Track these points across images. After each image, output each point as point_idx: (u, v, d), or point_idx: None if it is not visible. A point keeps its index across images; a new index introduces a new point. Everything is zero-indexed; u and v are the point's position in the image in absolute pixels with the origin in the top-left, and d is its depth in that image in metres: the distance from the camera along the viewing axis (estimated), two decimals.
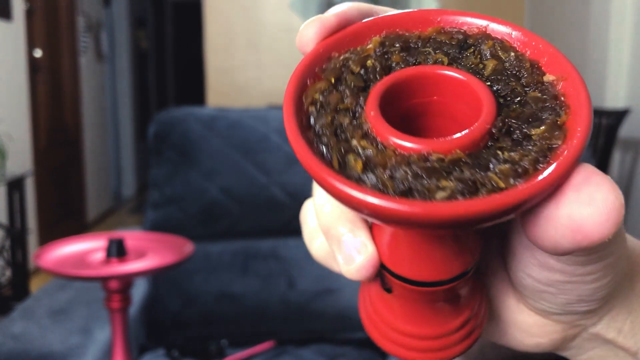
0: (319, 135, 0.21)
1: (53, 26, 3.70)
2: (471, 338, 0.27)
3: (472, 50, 0.23)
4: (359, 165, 0.20)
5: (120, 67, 5.29)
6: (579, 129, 0.19)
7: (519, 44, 0.23)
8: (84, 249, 1.09)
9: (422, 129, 0.24)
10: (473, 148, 0.20)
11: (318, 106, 0.22)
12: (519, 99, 0.21)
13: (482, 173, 0.19)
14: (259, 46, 3.40)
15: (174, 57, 6.91)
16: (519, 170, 0.19)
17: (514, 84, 0.22)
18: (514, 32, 0.23)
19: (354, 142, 0.21)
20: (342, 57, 0.23)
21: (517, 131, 0.20)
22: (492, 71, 0.22)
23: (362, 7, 0.25)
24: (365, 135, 0.21)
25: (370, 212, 0.19)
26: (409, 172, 0.19)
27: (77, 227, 3.98)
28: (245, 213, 1.52)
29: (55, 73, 3.73)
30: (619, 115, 2.44)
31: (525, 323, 0.27)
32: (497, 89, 0.22)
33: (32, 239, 3.11)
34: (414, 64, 0.23)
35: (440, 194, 0.19)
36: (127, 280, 1.01)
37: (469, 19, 0.24)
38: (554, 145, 0.20)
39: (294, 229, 1.51)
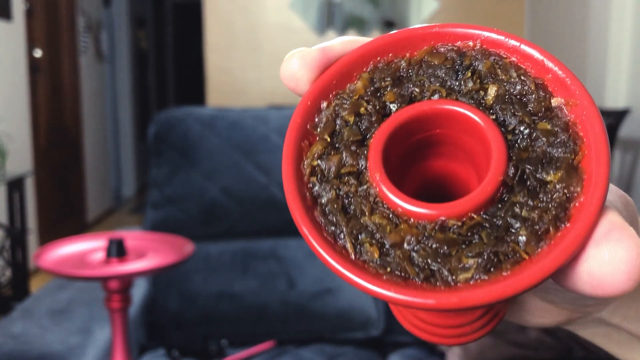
0: (327, 214, 0.20)
1: (53, 26, 3.70)
2: (494, 321, 0.27)
3: (469, 73, 0.21)
4: (375, 253, 0.19)
5: (120, 67, 5.29)
6: (598, 174, 0.18)
7: (518, 57, 0.21)
8: (84, 249, 1.09)
9: (429, 158, 0.23)
10: (488, 205, 0.19)
11: (319, 176, 0.21)
12: (528, 131, 0.20)
13: (503, 243, 0.18)
14: (259, 46, 3.40)
15: (174, 57, 6.90)
16: (540, 232, 0.18)
17: (520, 114, 0.20)
18: (511, 42, 0.21)
19: (365, 218, 0.20)
20: (332, 106, 0.22)
21: (532, 177, 0.19)
22: (495, 98, 0.21)
23: (348, 39, 0.23)
24: (375, 205, 0.20)
25: (397, 303, 0.18)
26: (427, 250, 0.19)
27: (77, 227, 3.98)
28: (245, 213, 1.52)
29: (55, 73, 3.73)
30: (619, 115, 2.44)
31: (532, 306, 0.27)
32: (503, 121, 0.20)
33: (32, 239, 3.11)
34: (410, 99, 0.21)
35: (463, 276, 0.18)
36: (127, 280, 1.01)
37: (460, 31, 0.22)
38: (573, 195, 0.19)
39: (294, 229, 1.51)
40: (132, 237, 1.15)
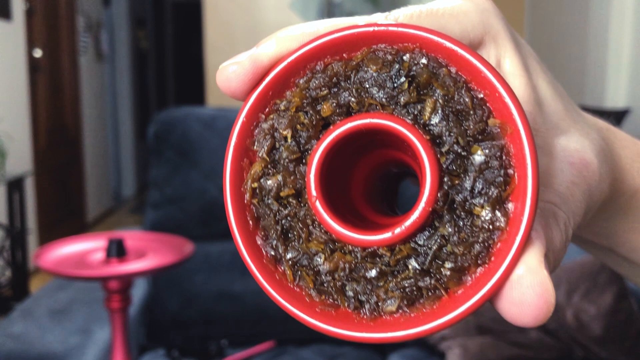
0: (268, 238, 0.21)
1: (53, 26, 3.70)
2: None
3: (407, 84, 0.20)
4: (310, 282, 0.20)
5: (120, 67, 5.29)
6: (523, 211, 0.18)
7: (457, 64, 0.20)
8: (84, 249, 1.09)
9: (378, 147, 0.23)
10: (417, 233, 0.19)
11: (258, 199, 0.21)
12: (462, 153, 0.19)
13: (427, 276, 0.19)
14: None
15: (174, 57, 6.90)
16: (464, 267, 0.19)
17: (455, 133, 0.19)
18: (450, 46, 0.19)
19: (303, 245, 0.20)
20: (270, 119, 0.21)
21: (460, 208, 0.19)
22: (432, 113, 0.20)
23: (283, 37, 0.22)
24: (314, 229, 0.20)
25: (327, 334, 0.19)
26: (358, 279, 0.19)
27: (77, 227, 3.97)
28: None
29: (55, 73, 3.73)
30: (619, 115, 2.44)
31: None
32: (439, 138, 0.20)
33: (32, 239, 3.11)
34: (347, 111, 0.20)
35: (389, 309, 0.19)
36: (127, 280, 1.01)
37: (399, 30, 0.20)
38: (497, 231, 0.19)
39: None
40: (132, 237, 1.15)
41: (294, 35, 0.22)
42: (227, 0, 3.34)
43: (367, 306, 0.19)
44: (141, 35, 5.81)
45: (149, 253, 1.07)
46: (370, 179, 0.25)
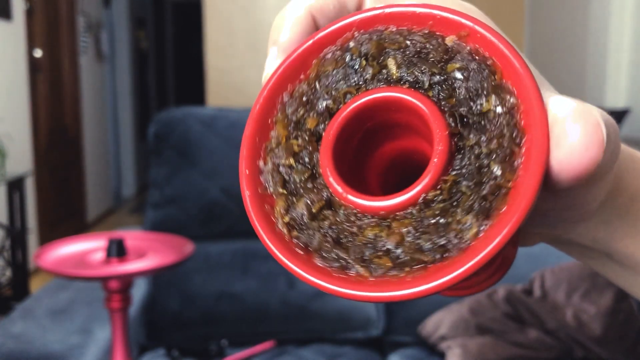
0: (325, 255, 0.20)
1: (53, 26, 3.70)
2: (500, 273, 0.27)
3: (364, 62, 0.22)
4: (388, 262, 0.19)
5: (120, 67, 5.29)
6: (519, 75, 0.19)
7: (394, 22, 0.21)
8: (84, 249, 1.09)
9: (385, 142, 0.23)
10: (451, 161, 0.19)
11: (297, 230, 0.21)
12: (442, 79, 0.20)
13: (484, 185, 0.19)
14: (259, 46, 3.40)
15: (174, 57, 6.91)
16: (508, 156, 0.19)
17: (427, 68, 0.20)
18: (380, 12, 0.22)
19: (361, 238, 0.20)
20: (269, 160, 0.22)
21: (471, 116, 0.20)
22: (398, 69, 0.21)
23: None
24: (360, 220, 0.20)
25: (451, 288, 0.19)
26: (428, 230, 0.19)
27: (77, 227, 3.98)
28: (245, 213, 1.52)
29: (55, 73, 3.73)
30: (619, 115, 2.44)
31: None
32: (417, 83, 0.21)
33: (32, 239, 3.11)
34: (329, 114, 0.22)
35: (471, 233, 0.19)
36: (127, 280, 1.01)
37: (334, 28, 0.22)
38: (513, 108, 0.19)
39: None
40: (132, 237, 1.15)
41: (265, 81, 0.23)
42: (227, 0, 3.34)
43: (450, 246, 0.19)
44: (141, 35, 5.81)
45: (149, 253, 1.07)
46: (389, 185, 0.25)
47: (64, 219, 3.80)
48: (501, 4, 3.34)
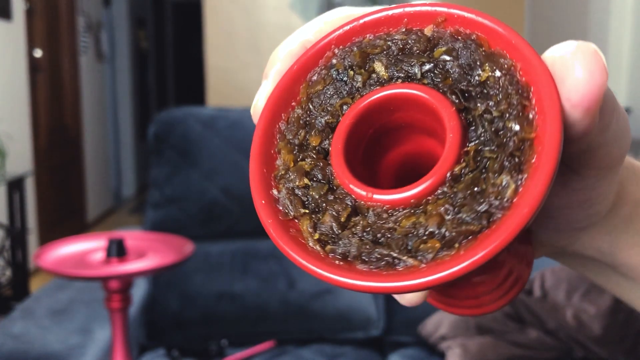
0: (366, 259, 0.20)
1: (53, 26, 3.70)
2: (514, 291, 0.27)
3: (352, 72, 0.22)
4: (437, 243, 0.19)
5: (120, 67, 5.29)
6: (510, 40, 0.19)
7: (371, 29, 0.22)
8: (84, 249, 1.09)
9: (393, 146, 0.23)
10: (466, 132, 0.20)
11: (330, 244, 0.21)
12: (432, 66, 0.21)
13: (507, 143, 0.19)
14: (259, 46, 3.40)
15: (174, 57, 6.90)
16: (521, 110, 0.19)
17: (415, 61, 0.21)
18: (355, 24, 0.22)
19: (396, 232, 0.20)
20: (283, 188, 0.22)
21: (473, 88, 0.20)
22: (387, 70, 0.21)
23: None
24: (392, 216, 0.20)
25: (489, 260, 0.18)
26: (468, 199, 0.19)
27: (77, 227, 3.97)
28: (245, 213, 1.52)
29: (55, 73, 3.73)
30: None
31: None
32: (409, 77, 0.21)
33: (32, 239, 3.11)
34: (331, 128, 0.22)
35: (510, 192, 0.18)
36: (127, 280, 1.01)
37: (316, 49, 0.23)
38: (511, 67, 0.19)
39: None
40: (132, 237, 1.15)
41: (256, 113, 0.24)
42: (227, 0, 3.34)
43: (494, 209, 0.18)
44: (141, 35, 5.81)
45: (149, 253, 1.07)
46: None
47: (64, 219, 3.80)
48: (501, 3, 3.34)
